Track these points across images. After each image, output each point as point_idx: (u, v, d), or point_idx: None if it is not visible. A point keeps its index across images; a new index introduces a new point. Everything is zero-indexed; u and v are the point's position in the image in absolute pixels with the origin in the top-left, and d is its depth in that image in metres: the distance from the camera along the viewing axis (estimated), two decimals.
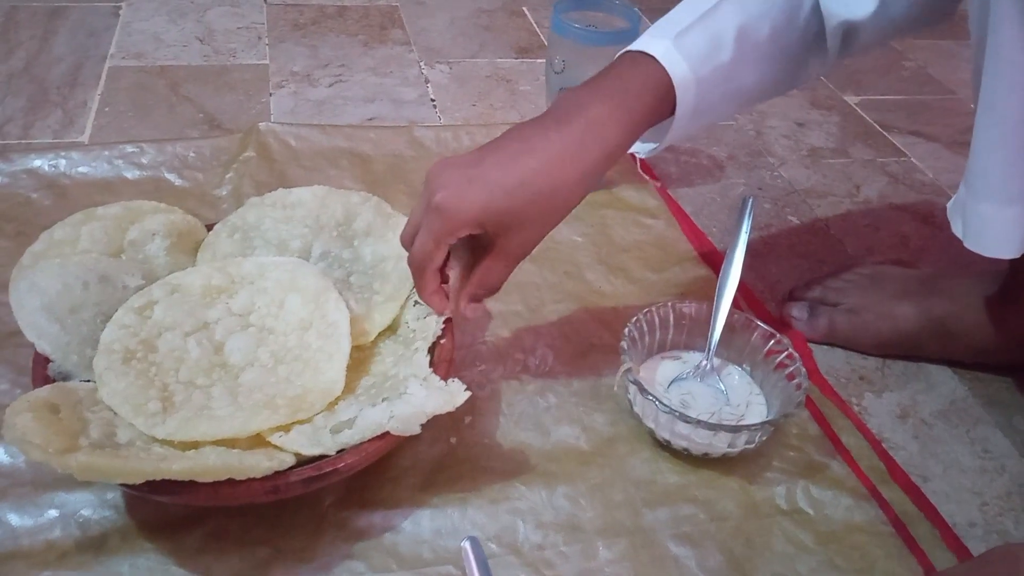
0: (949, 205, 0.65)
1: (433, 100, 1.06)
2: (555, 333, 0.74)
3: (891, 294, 0.76)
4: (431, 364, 0.61)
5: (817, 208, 0.95)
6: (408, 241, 0.60)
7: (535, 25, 1.29)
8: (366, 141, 0.95)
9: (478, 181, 0.55)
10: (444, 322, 0.63)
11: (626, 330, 0.67)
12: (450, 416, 0.64)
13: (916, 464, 0.67)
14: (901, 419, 0.71)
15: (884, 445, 0.68)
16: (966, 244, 0.63)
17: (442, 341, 0.63)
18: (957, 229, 0.64)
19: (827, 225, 0.93)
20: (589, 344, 0.73)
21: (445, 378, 0.58)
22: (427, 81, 1.11)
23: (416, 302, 0.65)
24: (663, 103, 0.59)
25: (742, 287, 0.82)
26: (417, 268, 0.59)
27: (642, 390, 0.63)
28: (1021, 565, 0.45)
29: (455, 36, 1.24)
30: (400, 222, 0.70)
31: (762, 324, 0.69)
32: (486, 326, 0.74)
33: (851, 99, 1.18)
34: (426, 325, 0.63)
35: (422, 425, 0.55)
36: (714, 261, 0.84)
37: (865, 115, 1.14)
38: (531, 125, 0.58)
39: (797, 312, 0.77)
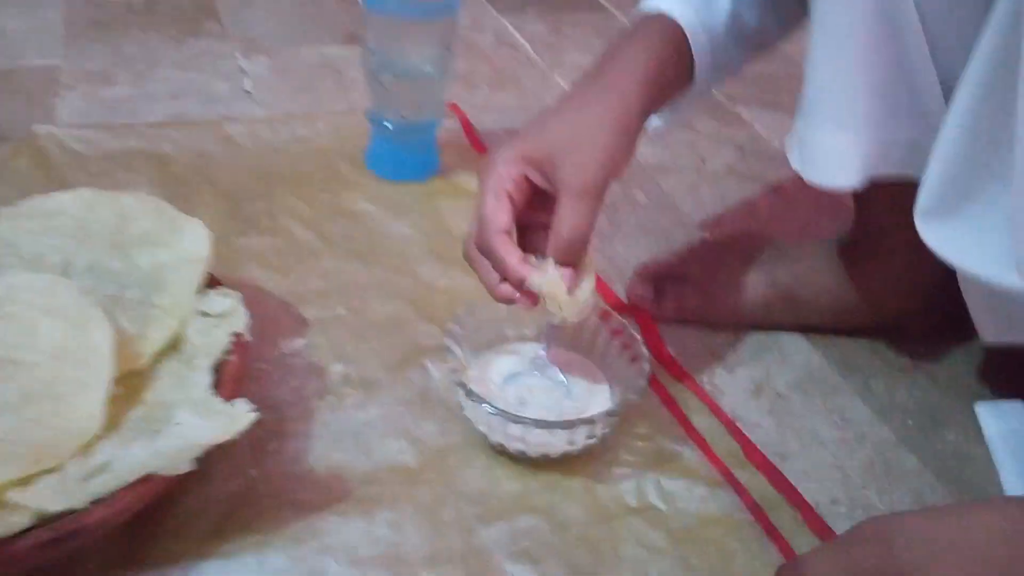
0: (787, 139, 0.61)
1: (250, 93, 0.97)
2: (380, 337, 0.66)
3: (738, 264, 0.72)
4: (216, 384, 0.52)
5: (664, 183, 0.91)
6: (467, 243, 0.55)
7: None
8: (166, 141, 0.84)
9: (521, 132, 0.56)
10: (234, 335, 0.55)
11: (449, 325, 0.60)
12: (250, 444, 0.55)
13: (773, 442, 0.62)
14: (755, 395, 0.66)
15: (738, 424, 0.63)
16: (804, 176, 0.59)
17: (230, 357, 0.54)
18: (794, 161, 0.60)
19: (674, 200, 0.88)
20: (418, 346, 0.66)
21: (231, 399, 0.50)
22: (244, 73, 1.01)
23: (203, 313, 0.56)
24: (681, 45, 0.59)
25: None
26: (484, 228, 0.53)
27: (467, 392, 0.55)
28: (894, 542, 0.40)
29: (277, 25, 1.14)
30: (187, 225, 0.61)
31: (603, 306, 0.63)
32: (301, 333, 0.66)
33: None
34: (211, 340, 0.54)
35: (205, 458, 0.46)
36: None
37: None
38: (559, 101, 0.57)
39: (642, 291, 0.72)
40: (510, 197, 0.54)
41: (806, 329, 0.72)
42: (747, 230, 0.84)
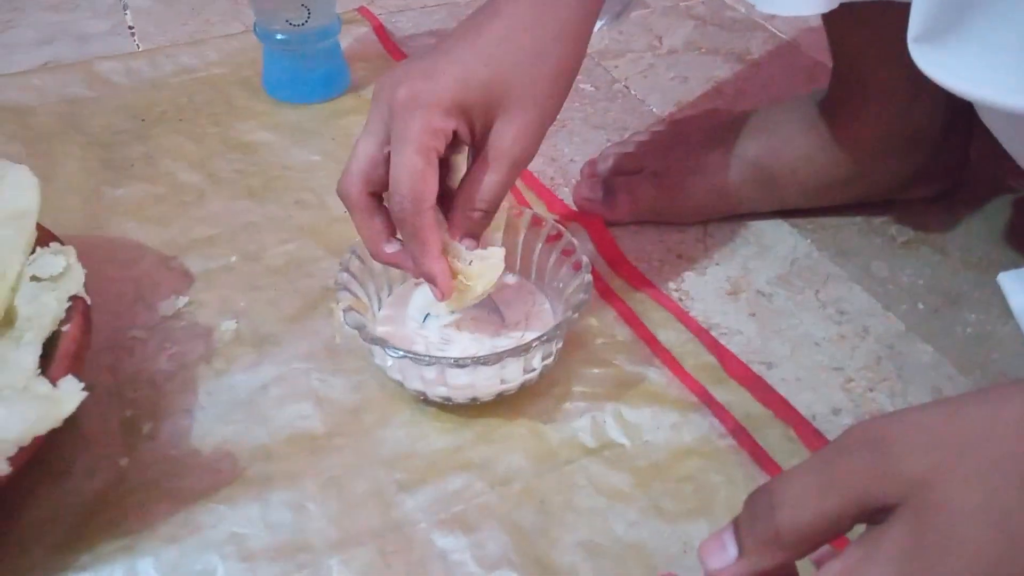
0: None
1: (132, 28, 0.84)
2: (278, 284, 0.55)
3: (699, 145, 0.60)
4: (48, 363, 0.42)
5: (615, 69, 0.78)
6: (352, 184, 0.43)
7: None
8: (28, 90, 0.72)
9: (444, 60, 0.42)
10: (71, 300, 0.44)
11: (347, 258, 0.49)
12: (119, 428, 0.46)
13: (756, 349, 0.52)
14: (732, 297, 0.55)
15: (713, 334, 0.52)
16: (758, 7, 0.47)
17: (66, 328, 0.43)
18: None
19: (627, 86, 0.76)
20: (324, 289, 0.55)
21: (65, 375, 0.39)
22: (125, 8, 0.88)
23: (33, 277, 0.45)
24: None
25: (527, 175, 0.65)
26: (412, 205, 0.41)
27: (368, 336, 0.45)
28: (890, 448, 0.28)
29: None
30: (8, 173, 0.50)
31: (532, 211, 0.52)
32: (184, 291, 0.55)
33: None
34: (42, 309, 0.44)
35: (58, 451, 0.37)
36: None
37: None
38: (477, 13, 0.45)
39: (589, 192, 0.61)
40: (437, 155, 0.42)
41: (787, 212, 0.60)
42: (713, 110, 0.72)
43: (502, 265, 0.45)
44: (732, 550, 0.30)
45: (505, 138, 0.43)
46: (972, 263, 0.57)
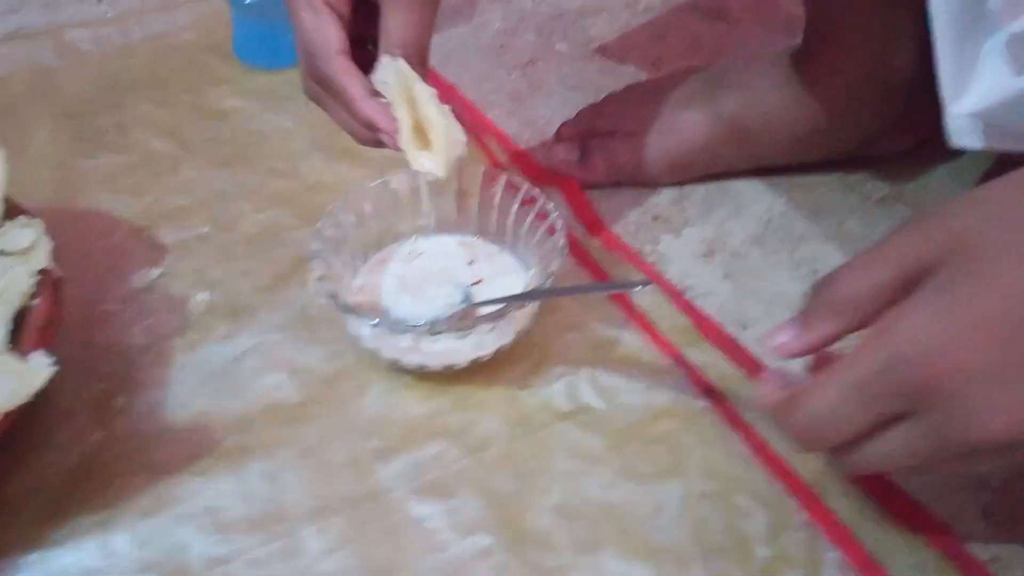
0: None
1: None
2: (253, 253, 0.55)
3: (674, 104, 0.60)
4: (17, 337, 0.42)
5: (591, 28, 0.77)
6: (305, 79, 0.45)
7: None
8: None
9: None
10: (40, 273, 0.44)
11: (319, 226, 0.49)
12: (92, 402, 0.46)
13: (731, 310, 0.52)
14: (707, 258, 0.55)
15: (688, 296, 0.52)
16: None
17: (35, 302, 0.43)
18: None
19: (605, 46, 0.75)
20: (299, 259, 0.54)
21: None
22: None
23: (0, 251, 0.45)
24: None
25: (502, 139, 0.65)
26: (318, 59, 0.42)
27: (340, 304, 0.45)
28: (934, 216, 0.32)
29: None
30: None
31: (506, 174, 0.51)
32: (157, 262, 0.55)
33: None
34: (10, 284, 0.44)
35: (33, 427, 0.37)
36: (469, 118, 0.66)
37: None
38: None
39: (564, 153, 0.60)
40: (329, 6, 0.42)
41: (763, 171, 0.60)
42: (691, 68, 0.72)
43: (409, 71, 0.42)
44: (798, 327, 0.34)
45: None
46: None
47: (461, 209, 0.53)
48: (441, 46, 0.75)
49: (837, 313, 0.33)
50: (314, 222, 0.49)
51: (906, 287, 0.31)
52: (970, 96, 0.43)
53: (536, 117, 0.67)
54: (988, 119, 0.43)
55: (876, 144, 0.59)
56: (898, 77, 0.55)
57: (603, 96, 0.64)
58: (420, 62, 0.43)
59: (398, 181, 0.52)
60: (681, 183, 0.60)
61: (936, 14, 0.41)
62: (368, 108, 0.42)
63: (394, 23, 0.42)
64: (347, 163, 0.61)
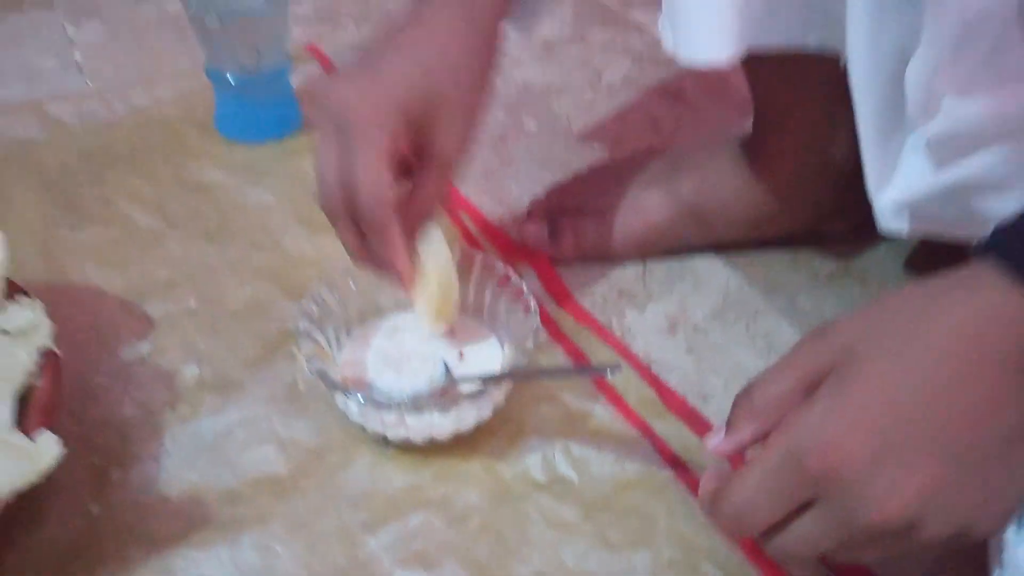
0: (659, 22, 0.52)
1: (81, 66, 0.85)
2: (238, 327, 0.57)
3: (638, 185, 0.64)
4: (22, 416, 0.43)
5: (558, 106, 0.82)
6: (333, 196, 0.47)
7: None
8: None
9: (387, 72, 0.47)
10: (44, 356, 0.46)
11: (306, 304, 0.51)
12: (89, 475, 0.47)
13: (693, 382, 0.55)
14: (670, 332, 0.59)
15: (654, 369, 0.56)
16: (678, 56, 0.50)
17: (38, 382, 0.45)
18: (667, 43, 0.52)
19: (570, 123, 0.80)
20: (284, 332, 0.57)
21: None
22: (74, 44, 0.89)
23: (2, 331, 0.47)
24: None
25: (475, 215, 0.68)
26: (370, 209, 0.46)
27: (329, 381, 0.47)
28: (830, 329, 0.37)
29: None
30: None
31: (483, 254, 0.55)
32: (146, 336, 0.57)
33: None
34: (13, 364, 0.45)
35: (31, 501, 0.38)
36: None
37: None
38: (404, 17, 0.50)
39: (535, 230, 0.64)
40: (388, 153, 0.46)
41: (721, 247, 0.65)
42: (650, 147, 0.76)
43: (442, 239, 0.50)
44: (725, 432, 0.39)
45: (448, 145, 0.48)
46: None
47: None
48: None
49: (754, 418, 0.38)
50: (297, 296, 0.52)
51: (808, 391, 0.36)
52: (894, 187, 0.48)
53: (507, 193, 0.71)
54: (911, 208, 0.47)
55: (822, 224, 0.64)
56: (837, 165, 0.60)
57: (570, 174, 0.69)
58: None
59: None
60: (644, 259, 0.64)
61: (861, 112, 0.47)
62: (401, 259, 0.47)
63: (436, 184, 0.48)
64: (328, 237, 0.63)
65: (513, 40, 0.92)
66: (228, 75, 0.71)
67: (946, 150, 0.45)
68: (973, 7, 0.41)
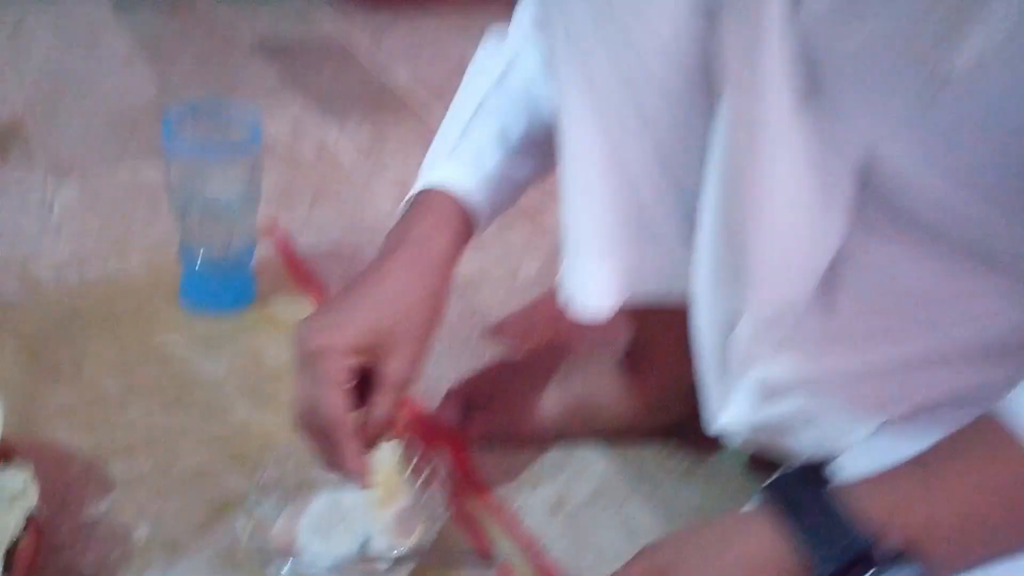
0: (557, 278, 0.67)
1: (59, 227, 0.95)
2: (189, 491, 0.67)
3: (537, 380, 0.78)
4: (8, 572, 0.52)
5: (476, 299, 0.96)
6: (305, 417, 0.58)
7: None
8: None
9: (344, 311, 0.60)
10: (27, 521, 0.54)
11: (257, 478, 0.62)
12: None
13: (570, 559, 0.67)
14: (554, 512, 0.71)
15: (538, 545, 0.68)
16: (570, 309, 0.65)
17: (23, 539, 0.54)
18: (561, 296, 0.66)
19: (486, 315, 0.93)
20: (226, 499, 0.67)
21: None
22: (52, 204, 0.99)
23: None
24: (464, 214, 0.66)
25: (401, 399, 0.80)
26: (330, 428, 0.57)
27: (258, 551, 0.58)
28: (649, 552, 0.50)
29: (90, 144, 1.13)
30: None
31: (403, 439, 0.67)
32: (106, 496, 0.66)
33: None
34: (4, 523, 0.54)
35: None
36: None
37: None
38: (370, 267, 0.64)
39: (451, 414, 0.76)
40: (339, 384, 0.58)
41: (604, 438, 0.78)
42: (552, 341, 0.90)
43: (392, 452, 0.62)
44: None
45: (395, 371, 0.60)
46: (734, 490, 0.75)
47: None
48: None
49: None
50: (243, 463, 0.62)
51: None
52: (725, 416, 0.62)
53: (428, 376, 0.83)
54: (740, 432, 0.62)
55: (684, 427, 0.78)
56: (696, 380, 0.75)
57: (484, 364, 0.82)
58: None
59: None
60: (541, 446, 0.77)
61: (700, 357, 0.61)
62: (358, 462, 0.58)
63: (383, 403, 0.60)
64: (271, 410, 0.75)
65: None
66: (200, 256, 0.83)
67: (761, 396, 0.60)
68: (781, 297, 0.57)
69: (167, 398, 0.75)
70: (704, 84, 0.54)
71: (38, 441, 0.68)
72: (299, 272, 0.93)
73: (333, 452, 0.58)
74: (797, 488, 0.51)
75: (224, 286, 0.86)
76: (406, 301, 0.61)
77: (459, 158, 0.67)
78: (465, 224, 0.66)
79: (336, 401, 0.57)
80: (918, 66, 0.46)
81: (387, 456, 0.62)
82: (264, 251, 0.94)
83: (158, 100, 1.26)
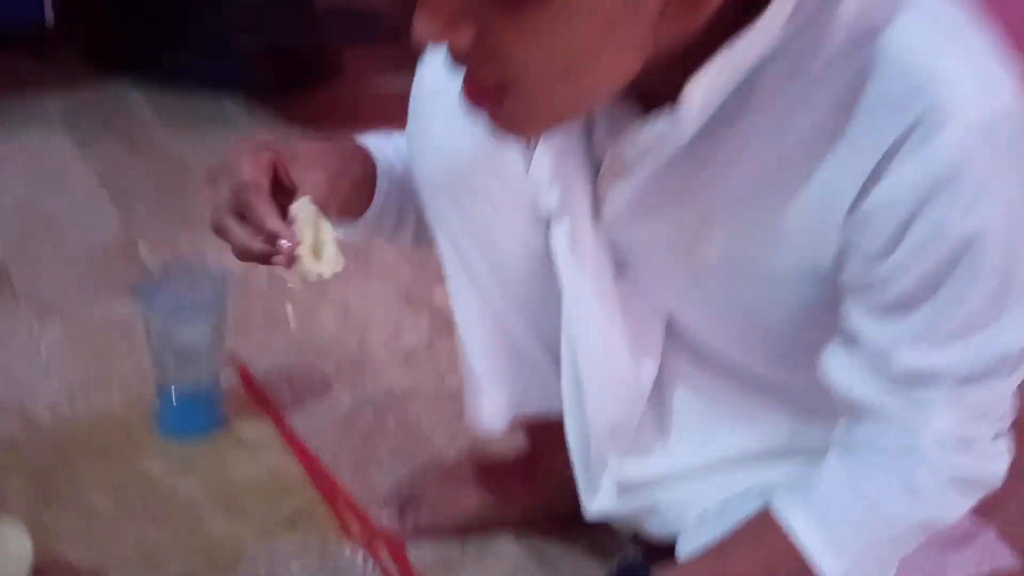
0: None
1: (47, 365, 1.10)
2: None
3: (460, 482, 0.95)
4: None
5: (411, 408, 1.13)
6: (219, 211, 0.63)
7: (154, 257, 1.37)
8: None
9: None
10: None
11: None
12: None
13: None
14: None
15: None
16: (473, 426, 0.82)
17: None
18: (467, 415, 0.83)
19: (420, 425, 1.10)
20: None
21: None
22: (40, 342, 1.14)
23: None
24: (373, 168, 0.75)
25: (346, 500, 0.97)
26: (244, 190, 0.62)
27: None
28: None
29: (70, 284, 1.26)
30: (8, 532, 0.76)
31: (344, 541, 0.83)
32: None
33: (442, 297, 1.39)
34: None
35: None
36: (326, 484, 0.98)
37: None
38: None
39: (388, 515, 0.93)
40: (264, 165, 0.64)
41: (515, 527, 0.95)
42: (474, 447, 1.07)
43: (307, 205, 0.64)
44: None
45: (313, 181, 0.66)
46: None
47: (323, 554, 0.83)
48: (306, 420, 1.08)
49: None
50: (220, 571, 0.77)
51: None
52: (595, 504, 0.80)
53: (373, 482, 1.00)
54: (610, 517, 0.80)
55: (579, 514, 0.96)
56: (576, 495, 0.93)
57: (417, 468, 0.99)
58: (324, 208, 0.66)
59: (284, 548, 0.82)
60: (463, 538, 0.94)
61: (572, 453, 0.79)
62: (276, 223, 0.62)
63: (311, 181, 0.67)
64: (241, 522, 0.91)
65: (384, 349, 1.23)
66: (173, 390, 0.99)
67: (617, 491, 0.78)
68: (614, 415, 0.76)
69: (153, 515, 0.90)
70: (550, 265, 0.73)
71: (43, 563, 0.82)
72: (258, 396, 1.10)
73: (252, 218, 0.62)
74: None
75: (196, 415, 1.02)
76: (323, 147, 0.69)
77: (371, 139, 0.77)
78: (370, 176, 0.75)
79: (251, 168, 0.63)
80: (683, 257, 0.66)
81: (303, 208, 0.63)
82: (227, 379, 1.10)
83: (124, 235, 1.41)
